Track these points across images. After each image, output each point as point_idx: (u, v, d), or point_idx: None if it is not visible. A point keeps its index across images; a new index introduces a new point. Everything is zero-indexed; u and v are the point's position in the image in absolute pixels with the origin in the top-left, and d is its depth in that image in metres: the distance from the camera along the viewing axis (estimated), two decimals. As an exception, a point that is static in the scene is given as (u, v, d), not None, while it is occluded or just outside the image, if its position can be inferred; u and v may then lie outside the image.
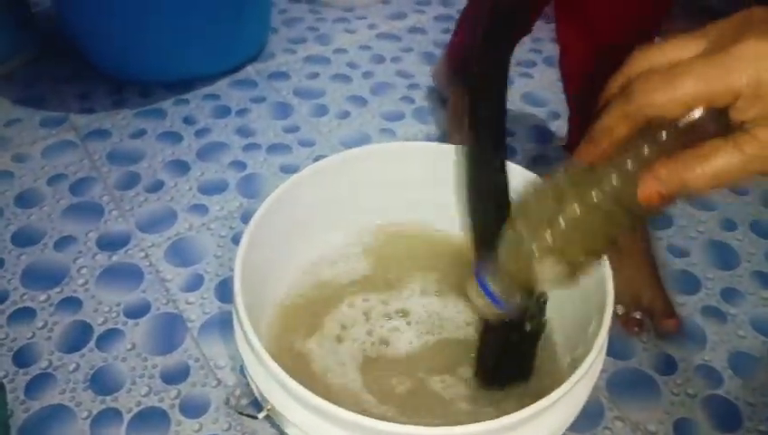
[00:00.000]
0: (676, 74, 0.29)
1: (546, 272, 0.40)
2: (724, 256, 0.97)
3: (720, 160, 0.30)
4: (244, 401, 0.48)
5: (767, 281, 0.94)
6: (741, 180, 0.30)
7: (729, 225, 1.03)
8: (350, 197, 0.60)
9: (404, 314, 0.59)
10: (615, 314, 0.89)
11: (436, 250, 0.63)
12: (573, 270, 0.40)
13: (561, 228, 0.38)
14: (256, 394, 0.45)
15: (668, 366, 0.82)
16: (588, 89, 0.94)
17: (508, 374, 0.53)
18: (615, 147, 0.34)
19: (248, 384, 0.47)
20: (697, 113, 0.31)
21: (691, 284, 0.93)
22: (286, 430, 0.44)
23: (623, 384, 0.80)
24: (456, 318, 0.59)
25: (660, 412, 0.77)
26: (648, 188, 0.32)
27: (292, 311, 0.57)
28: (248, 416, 0.45)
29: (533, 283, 0.41)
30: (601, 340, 0.43)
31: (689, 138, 0.32)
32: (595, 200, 0.36)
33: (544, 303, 0.50)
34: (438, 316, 0.59)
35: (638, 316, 0.84)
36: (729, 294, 0.92)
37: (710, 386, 0.80)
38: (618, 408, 0.78)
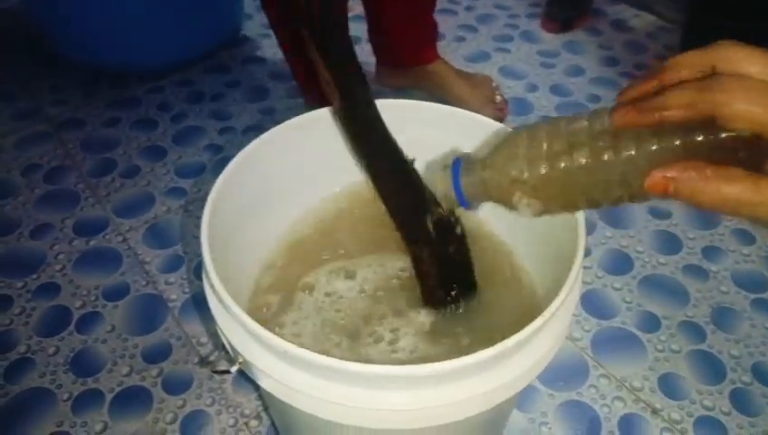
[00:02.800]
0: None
1: (521, 200, 0.39)
2: (706, 216, 0.98)
3: (735, 190, 0.30)
4: (220, 364, 0.47)
5: (748, 238, 0.95)
6: (741, 216, 0.31)
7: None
8: (321, 157, 0.59)
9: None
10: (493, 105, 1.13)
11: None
12: (545, 210, 0.40)
13: (558, 168, 0.37)
14: (228, 349, 0.44)
15: (652, 324, 0.83)
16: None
17: (456, 285, 0.52)
18: (658, 126, 0.33)
19: (224, 347, 0.47)
20: (746, 136, 0.30)
21: (673, 244, 0.93)
22: (261, 384, 0.43)
23: (607, 343, 0.80)
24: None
25: (645, 369, 0.78)
26: (659, 180, 0.32)
27: (267, 271, 0.57)
28: (222, 372, 0.45)
29: (504, 201, 0.41)
30: (576, 268, 0.43)
31: (719, 150, 0.31)
32: (605, 158, 0.35)
33: (457, 220, 0.49)
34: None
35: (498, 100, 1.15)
36: (710, 253, 0.92)
37: (694, 341, 0.81)
38: (602, 366, 0.78)
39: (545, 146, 0.37)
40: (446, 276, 0.51)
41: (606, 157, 0.35)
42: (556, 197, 0.38)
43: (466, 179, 0.43)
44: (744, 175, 0.30)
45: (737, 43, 0.32)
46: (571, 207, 0.39)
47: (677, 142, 0.33)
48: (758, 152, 0.31)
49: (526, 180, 0.38)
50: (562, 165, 0.36)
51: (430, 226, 0.48)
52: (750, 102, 0.29)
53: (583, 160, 0.36)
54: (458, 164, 0.43)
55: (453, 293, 0.51)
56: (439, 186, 0.45)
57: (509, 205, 0.40)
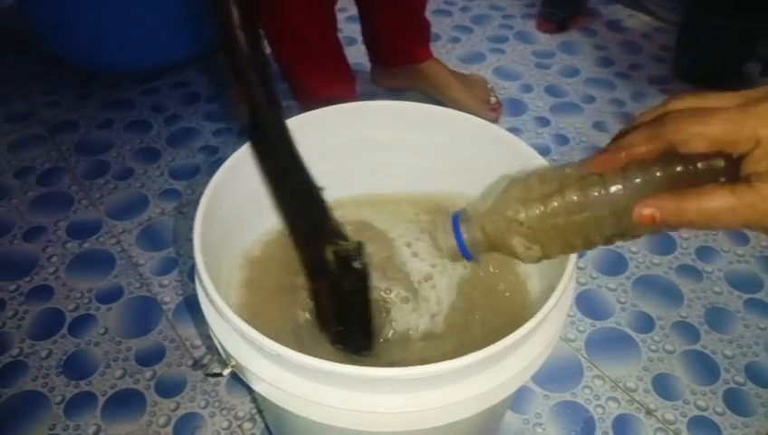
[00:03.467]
0: (710, 115, 0.32)
1: (521, 244, 0.41)
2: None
3: (715, 201, 0.32)
4: (213, 366, 0.47)
5: (742, 238, 0.95)
6: (731, 226, 0.32)
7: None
8: (317, 159, 0.59)
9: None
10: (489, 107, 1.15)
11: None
12: (545, 254, 0.41)
13: (552, 206, 0.38)
14: (221, 352, 0.44)
15: (646, 324, 0.83)
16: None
17: (351, 333, 0.50)
18: (630, 162, 0.36)
19: (217, 350, 0.47)
20: (720, 162, 0.33)
21: (667, 244, 0.93)
22: (254, 387, 0.43)
23: (601, 344, 0.80)
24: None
25: (639, 369, 0.78)
26: (645, 210, 0.34)
27: (258, 273, 0.57)
28: (214, 375, 0.45)
29: (505, 247, 0.42)
30: (569, 270, 0.43)
31: (700, 179, 0.33)
32: (594, 194, 0.37)
33: (359, 253, 0.46)
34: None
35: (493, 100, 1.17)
36: (704, 253, 0.93)
37: (687, 341, 0.81)
38: (596, 367, 0.78)
39: (538, 190, 0.40)
40: (340, 313, 0.48)
41: (595, 193, 0.37)
42: (553, 238, 0.40)
43: (466, 230, 0.44)
44: (718, 186, 0.32)
45: (686, 94, 0.35)
46: (569, 248, 0.41)
47: (659, 174, 0.35)
48: (735, 172, 0.32)
49: (523, 222, 0.40)
50: (555, 204, 0.38)
51: (330, 256, 0.45)
52: (698, 124, 0.32)
53: (575, 198, 0.38)
54: (457, 217, 0.45)
55: (341, 330, 0.49)
56: (440, 240, 0.46)
57: (510, 250, 0.42)
